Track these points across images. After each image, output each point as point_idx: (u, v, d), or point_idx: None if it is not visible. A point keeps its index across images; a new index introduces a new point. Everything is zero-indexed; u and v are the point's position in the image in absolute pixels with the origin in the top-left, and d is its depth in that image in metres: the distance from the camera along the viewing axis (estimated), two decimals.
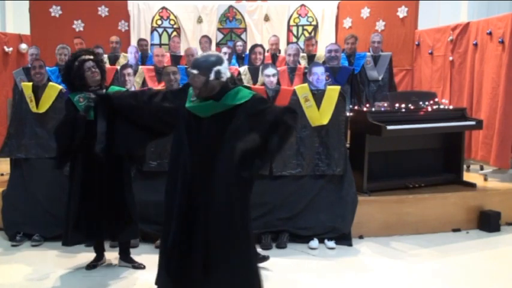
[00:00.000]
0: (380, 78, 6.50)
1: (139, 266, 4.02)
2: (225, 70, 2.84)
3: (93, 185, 3.80)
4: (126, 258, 4.08)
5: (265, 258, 4.04)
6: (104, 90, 3.87)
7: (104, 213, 3.84)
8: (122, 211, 3.87)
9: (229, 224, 2.80)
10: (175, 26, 8.38)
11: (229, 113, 2.81)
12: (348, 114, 5.08)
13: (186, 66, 5.98)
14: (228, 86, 2.87)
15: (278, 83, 5.18)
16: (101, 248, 4.11)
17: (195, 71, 2.80)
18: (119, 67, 5.57)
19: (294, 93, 4.75)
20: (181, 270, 2.89)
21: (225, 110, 2.82)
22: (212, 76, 2.78)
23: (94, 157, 3.61)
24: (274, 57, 6.76)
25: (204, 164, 2.81)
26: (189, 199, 2.86)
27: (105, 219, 3.86)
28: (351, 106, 5.45)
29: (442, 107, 5.45)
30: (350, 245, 4.59)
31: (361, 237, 4.80)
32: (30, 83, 4.84)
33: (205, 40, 6.97)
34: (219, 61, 2.83)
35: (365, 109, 5.14)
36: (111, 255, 4.23)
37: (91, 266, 4.02)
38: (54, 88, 4.81)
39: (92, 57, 3.84)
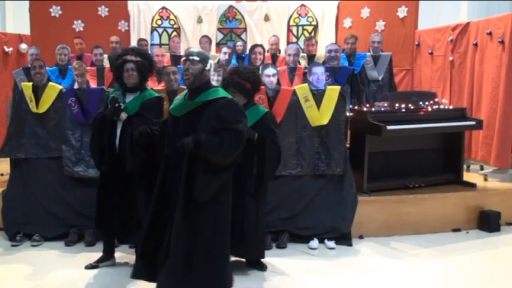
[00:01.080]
0: (380, 78, 6.50)
1: None
2: (211, 67, 3.10)
3: (110, 185, 3.86)
4: None
5: (262, 267, 4.03)
6: (138, 92, 3.90)
7: (116, 214, 3.88)
8: (132, 214, 3.87)
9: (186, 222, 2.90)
10: (175, 26, 8.38)
11: (199, 109, 2.97)
12: (348, 114, 5.07)
13: None
14: (210, 84, 3.08)
15: (278, 83, 5.19)
16: (111, 248, 4.09)
17: (196, 58, 2.98)
18: None
19: (294, 93, 4.75)
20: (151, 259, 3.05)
21: (196, 107, 2.97)
22: (208, 66, 3.02)
23: (114, 157, 3.78)
24: (274, 57, 6.76)
25: (174, 160, 2.96)
26: (162, 196, 3.02)
27: (116, 220, 3.89)
28: (351, 106, 5.45)
29: (442, 107, 5.44)
30: (350, 245, 4.59)
31: (361, 237, 4.80)
32: (30, 83, 4.84)
33: (205, 40, 6.97)
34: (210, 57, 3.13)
35: (365, 109, 5.14)
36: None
37: (90, 266, 4.00)
38: (54, 88, 4.81)
39: (135, 58, 3.83)
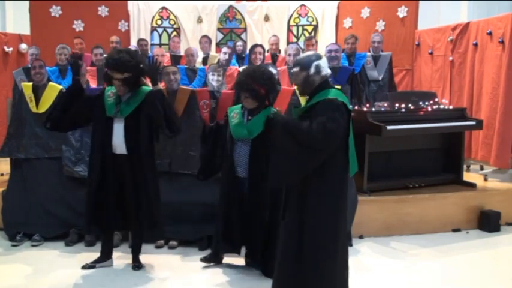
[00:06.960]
0: (380, 78, 6.50)
1: (138, 266, 4.02)
2: (325, 65, 3.00)
3: (108, 185, 3.84)
4: (134, 258, 4.07)
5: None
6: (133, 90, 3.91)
7: (117, 214, 3.89)
8: (132, 212, 3.87)
9: None
10: (175, 26, 8.38)
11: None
12: None
13: (186, 66, 5.99)
14: (326, 84, 3.00)
15: (278, 83, 5.17)
16: (109, 249, 4.07)
17: (296, 69, 3.00)
18: None
19: (294, 93, 4.75)
20: None
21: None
22: (312, 71, 2.95)
23: (109, 157, 3.79)
24: (274, 57, 6.76)
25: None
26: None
27: (116, 217, 3.89)
28: (351, 106, 5.44)
29: (442, 107, 5.45)
30: (350, 245, 4.57)
31: (361, 237, 4.80)
32: (30, 83, 4.84)
33: (205, 40, 6.97)
34: (319, 57, 3.02)
35: (365, 109, 5.15)
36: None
37: (88, 266, 3.99)
38: (54, 88, 4.81)
39: (121, 76, 3.72)
